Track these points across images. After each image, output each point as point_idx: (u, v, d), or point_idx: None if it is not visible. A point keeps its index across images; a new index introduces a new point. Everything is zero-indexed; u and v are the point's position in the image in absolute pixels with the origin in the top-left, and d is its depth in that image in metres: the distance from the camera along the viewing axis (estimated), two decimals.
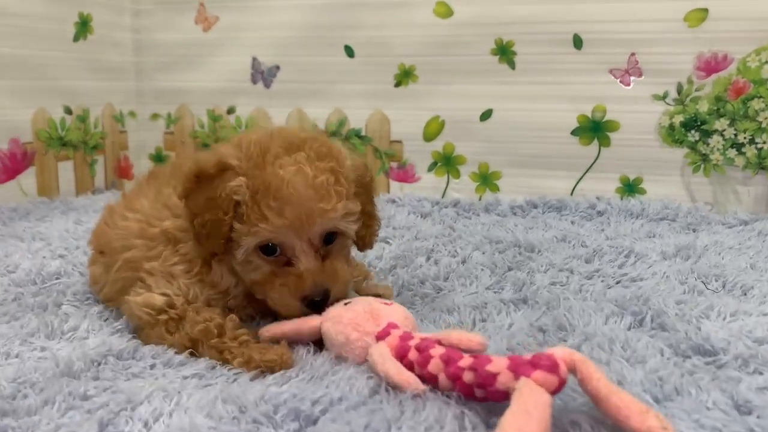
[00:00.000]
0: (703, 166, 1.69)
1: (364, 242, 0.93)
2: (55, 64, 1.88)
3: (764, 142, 1.61)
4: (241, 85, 2.04)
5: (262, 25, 1.99)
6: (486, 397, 0.65)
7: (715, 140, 1.65)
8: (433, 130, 1.89)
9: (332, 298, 0.85)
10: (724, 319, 0.91)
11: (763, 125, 1.60)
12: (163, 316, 0.86)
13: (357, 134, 1.95)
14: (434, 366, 0.69)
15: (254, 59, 2.02)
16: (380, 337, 0.78)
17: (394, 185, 1.95)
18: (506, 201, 1.77)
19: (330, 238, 0.86)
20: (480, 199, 1.84)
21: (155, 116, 2.17)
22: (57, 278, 1.13)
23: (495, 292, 1.09)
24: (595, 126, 1.76)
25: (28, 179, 1.81)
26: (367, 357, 0.76)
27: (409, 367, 0.72)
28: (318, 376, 0.75)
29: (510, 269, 1.21)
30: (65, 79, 1.91)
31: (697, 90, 1.66)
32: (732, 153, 1.64)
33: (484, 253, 1.31)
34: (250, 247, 0.84)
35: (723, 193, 1.69)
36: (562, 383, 0.61)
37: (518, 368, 0.62)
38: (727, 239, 1.39)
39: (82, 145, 1.98)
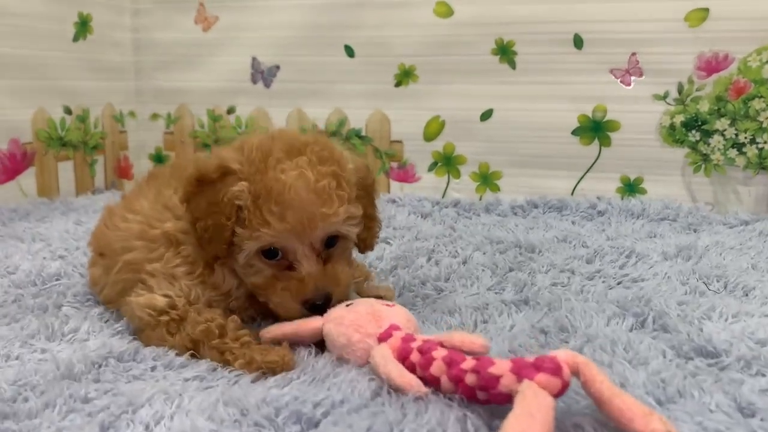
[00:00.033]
0: (703, 166, 1.68)
1: (365, 244, 0.93)
2: (54, 64, 1.87)
3: (765, 142, 1.61)
4: (241, 84, 2.04)
5: (262, 24, 1.98)
6: (488, 399, 0.65)
7: (716, 140, 1.65)
8: (433, 130, 1.89)
9: (333, 301, 0.85)
10: (726, 320, 0.91)
11: (764, 125, 1.60)
12: (165, 317, 0.85)
13: (357, 134, 1.95)
14: (436, 368, 0.69)
15: (254, 59, 2.02)
16: (382, 338, 0.77)
17: (395, 185, 1.95)
18: (507, 201, 1.77)
19: (331, 241, 0.86)
20: (480, 199, 1.84)
21: (155, 116, 2.17)
22: (57, 279, 1.13)
23: (496, 293, 1.09)
24: (596, 126, 1.75)
25: (27, 180, 1.81)
26: (369, 359, 0.76)
27: (411, 369, 0.72)
28: (319, 378, 0.75)
29: (511, 270, 1.21)
30: (65, 79, 1.91)
31: (697, 90, 1.66)
32: (733, 153, 1.64)
33: (484, 254, 1.31)
34: (251, 251, 0.84)
35: (724, 193, 1.69)
36: (565, 386, 0.61)
37: (521, 371, 0.61)
38: (728, 239, 1.39)
39: (81, 145, 1.98)
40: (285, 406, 0.67)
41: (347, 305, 0.84)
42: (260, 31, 1.99)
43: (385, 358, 0.73)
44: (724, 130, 1.64)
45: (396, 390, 0.70)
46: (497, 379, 0.63)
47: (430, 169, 1.91)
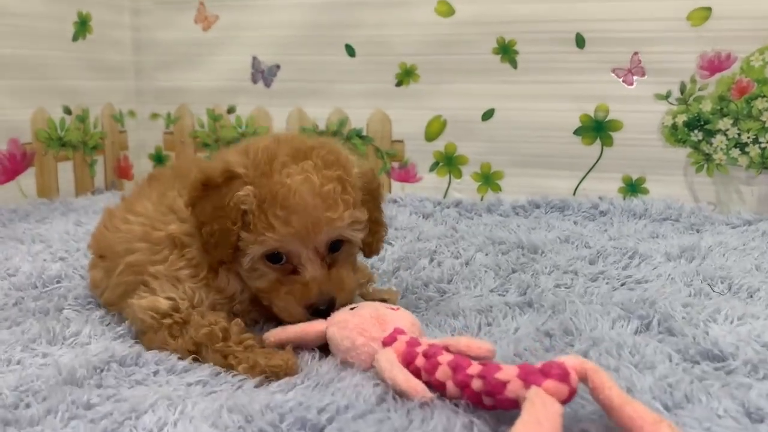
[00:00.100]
0: (706, 165, 1.68)
1: (370, 249, 0.93)
2: (54, 64, 1.86)
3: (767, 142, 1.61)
4: (241, 84, 2.03)
5: (262, 24, 1.97)
6: (495, 405, 0.64)
7: (719, 140, 1.65)
8: (434, 129, 1.89)
9: (337, 306, 0.85)
10: (732, 322, 0.90)
11: (767, 125, 1.60)
12: (168, 320, 0.85)
13: (358, 134, 1.94)
14: (442, 373, 0.68)
15: (254, 58, 2.01)
16: (386, 342, 0.77)
17: (396, 185, 1.94)
18: (508, 201, 1.76)
19: (336, 245, 0.86)
20: (482, 200, 1.84)
21: (155, 116, 2.16)
22: (58, 282, 1.13)
23: (500, 295, 1.09)
24: (598, 125, 1.75)
25: (27, 180, 1.80)
26: (374, 363, 0.75)
27: (416, 373, 0.71)
28: (324, 383, 0.74)
29: (514, 271, 1.20)
30: (64, 78, 1.90)
31: (700, 89, 1.65)
32: (735, 153, 1.64)
33: (487, 255, 1.30)
34: (256, 255, 0.83)
35: (726, 192, 1.68)
36: (572, 393, 0.60)
37: (528, 377, 0.61)
38: (731, 240, 1.38)
39: (81, 145, 1.97)
40: (289, 411, 0.66)
41: (351, 309, 0.83)
42: (260, 30, 1.98)
43: (390, 362, 0.72)
44: (727, 129, 1.63)
45: (401, 395, 0.69)
46: (504, 384, 0.62)
47: (431, 169, 1.91)
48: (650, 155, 1.71)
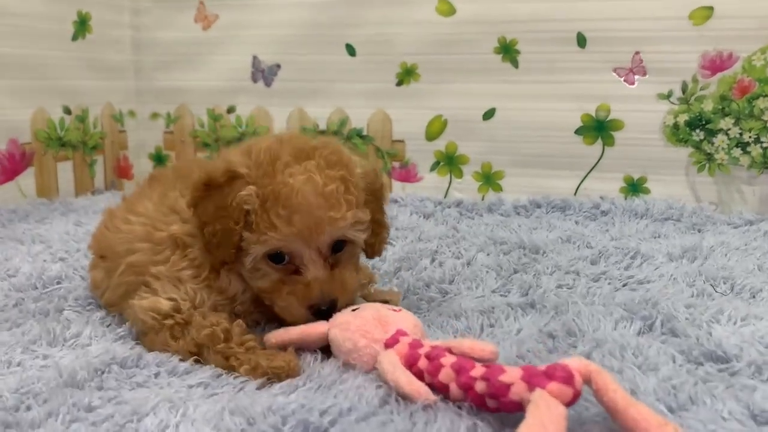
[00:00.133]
0: (707, 165, 1.67)
1: (373, 250, 0.92)
2: (53, 64, 1.86)
3: None
4: (241, 83, 2.03)
5: (262, 23, 1.97)
6: (498, 407, 0.64)
7: (720, 139, 1.64)
8: (435, 129, 1.88)
9: (339, 307, 0.84)
10: (735, 323, 0.89)
11: None
12: (169, 321, 0.84)
13: (359, 134, 1.94)
14: (445, 375, 0.68)
15: (255, 58, 2.00)
16: (389, 344, 0.76)
17: (397, 185, 1.93)
18: (509, 201, 1.76)
19: (339, 246, 0.85)
20: (483, 199, 1.83)
21: (155, 115, 2.15)
22: (58, 283, 1.12)
23: (502, 296, 1.08)
24: (599, 125, 1.74)
25: (27, 180, 1.79)
26: (376, 365, 0.75)
27: (419, 375, 0.71)
28: (326, 385, 0.74)
29: (516, 271, 1.20)
30: (64, 78, 1.90)
31: (701, 89, 1.65)
32: (737, 152, 1.63)
33: (488, 255, 1.30)
34: (258, 255, 0.83)
35: (728, 192, 1.68)
36: (576, 395, 0.60)
37: (532, 379, 0.61)
38: (733, 240, 1.38)
39: (81, 145, 1.96)
40: (291, 414, 0.66)
41: (353, 310, 0.83)
42: (261, 29, 1.97)
43: (393, 364, 0.72)
44: (729, 129, 1.63)
45: (404, 398, 0.69)
46: (508, 387, 0.62)
47: (432, 169, 1.90)
48: (652, 155, 1.71)
